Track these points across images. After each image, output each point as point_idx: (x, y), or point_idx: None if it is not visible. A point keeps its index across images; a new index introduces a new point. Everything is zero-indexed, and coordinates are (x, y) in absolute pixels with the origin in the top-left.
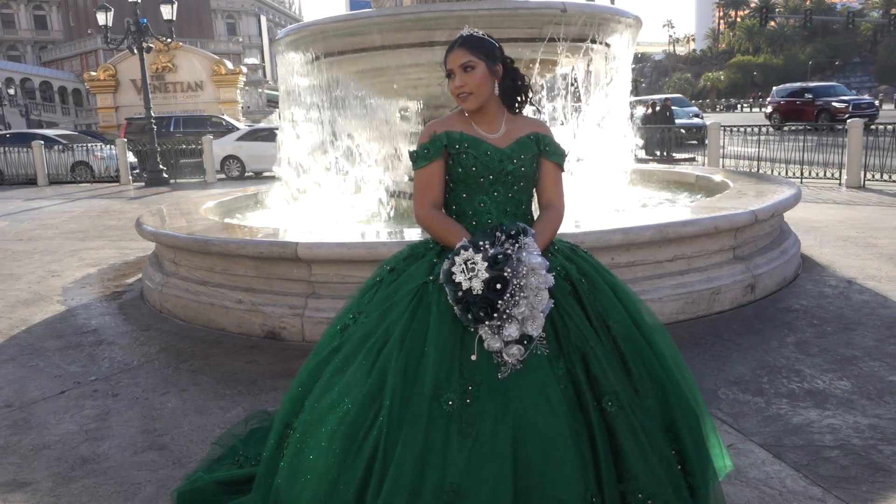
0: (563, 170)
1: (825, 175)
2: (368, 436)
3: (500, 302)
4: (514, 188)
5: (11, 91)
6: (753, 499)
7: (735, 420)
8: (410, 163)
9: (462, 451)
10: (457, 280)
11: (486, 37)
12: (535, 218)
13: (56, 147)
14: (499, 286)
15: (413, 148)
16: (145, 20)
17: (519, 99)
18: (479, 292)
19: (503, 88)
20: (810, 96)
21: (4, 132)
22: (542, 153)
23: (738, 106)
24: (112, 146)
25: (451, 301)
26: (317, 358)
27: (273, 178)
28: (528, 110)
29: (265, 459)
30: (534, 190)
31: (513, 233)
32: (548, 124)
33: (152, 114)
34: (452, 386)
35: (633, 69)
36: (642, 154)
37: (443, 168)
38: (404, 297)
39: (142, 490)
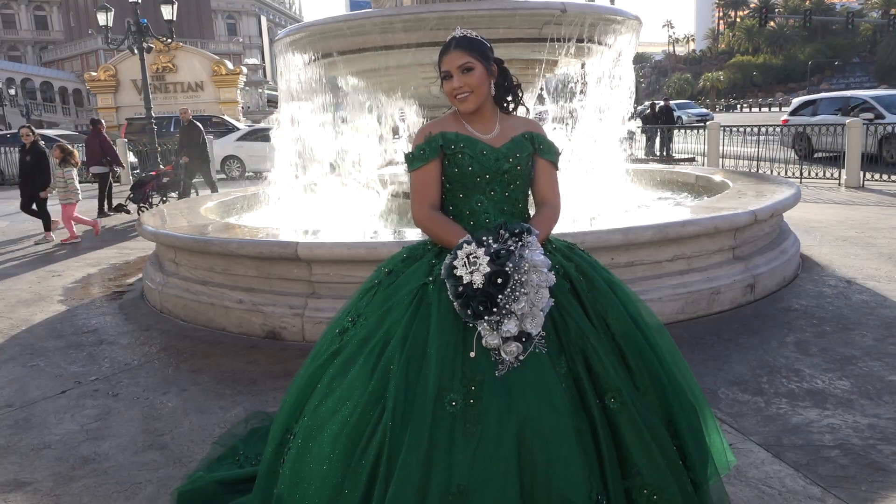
0: (557, 168)
1: (825, 175)
2: (372, 439)
3: (500, 297)
4: (511, 187)
5: (12, 91)
6: (753, 498)
7: (735, 420)
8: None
9: (467, 451)
10: (458, 274)
11: (479, 37)
12: (531, 216)
13: None
14: (499, 280)
15: (408, 150)
16: (145, 20)
17: (510, 98)
18: (480, 286)
19: (497, 88)
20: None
21: (5, 132)
22: (537, 151)
23: (738, 106)
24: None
25: (451, 296)
26: (315, 362)
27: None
28: (520, 111)
29: (264, 465)
30: (529, 189)
31: (517, 231)
32: (546, 125)
33: (153, 114)
34: (455, 386)
35: (633, 69)
36: (642, 154)
37: (439, 169)
38: (404, 298)
39: (142, 489)
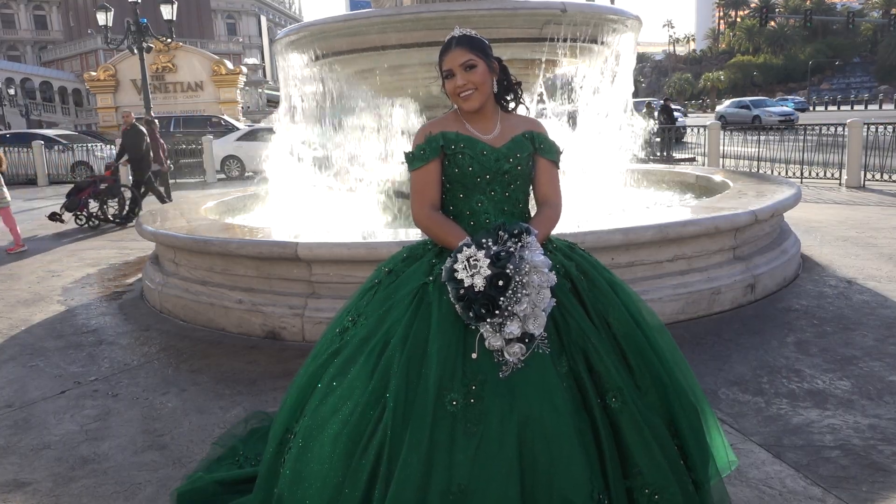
0: (558, 167)
1: (825, 175)
2: (373, 438)
3: (501, 299)
4: (511, 187)
5: (11, 91)
6: (753, 499)
7: (735, 420)
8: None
9: (468, 451)
10: (459, 277)
11: (478, 35)
12: (532, 215)
13: (56, 147)
14: (501, 283)
15: (408, 149)
16: (145, 20)
17: (509, 97)
18: (481, 289)
19: (498, 86)
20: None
21: (4, 132)
22: (537, 151)
23: None
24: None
25: (452, 299)
26: (316, 362)
27: (273, 178)
28: (520, 110)
29: (265, 465)
30: (530, 188)
31: (516, 232)
32: (546, 124)
33: (153, 114)
34: (456, 386)
35: (633, 69)
36: (642, 154)
37: (439, 169)
38: (404, 298)
39: (142, 490)
